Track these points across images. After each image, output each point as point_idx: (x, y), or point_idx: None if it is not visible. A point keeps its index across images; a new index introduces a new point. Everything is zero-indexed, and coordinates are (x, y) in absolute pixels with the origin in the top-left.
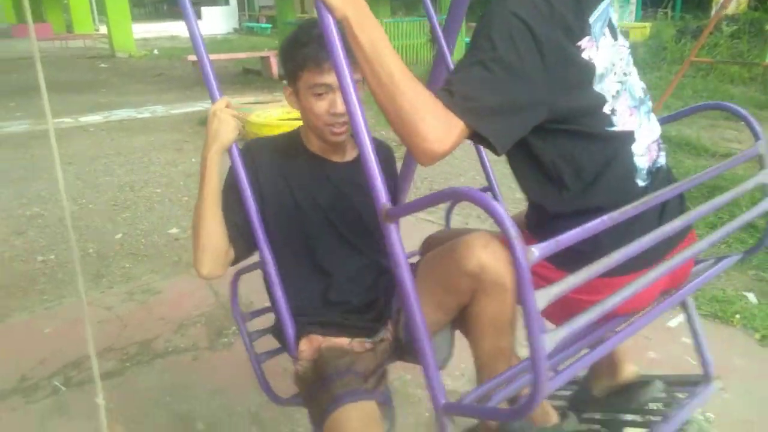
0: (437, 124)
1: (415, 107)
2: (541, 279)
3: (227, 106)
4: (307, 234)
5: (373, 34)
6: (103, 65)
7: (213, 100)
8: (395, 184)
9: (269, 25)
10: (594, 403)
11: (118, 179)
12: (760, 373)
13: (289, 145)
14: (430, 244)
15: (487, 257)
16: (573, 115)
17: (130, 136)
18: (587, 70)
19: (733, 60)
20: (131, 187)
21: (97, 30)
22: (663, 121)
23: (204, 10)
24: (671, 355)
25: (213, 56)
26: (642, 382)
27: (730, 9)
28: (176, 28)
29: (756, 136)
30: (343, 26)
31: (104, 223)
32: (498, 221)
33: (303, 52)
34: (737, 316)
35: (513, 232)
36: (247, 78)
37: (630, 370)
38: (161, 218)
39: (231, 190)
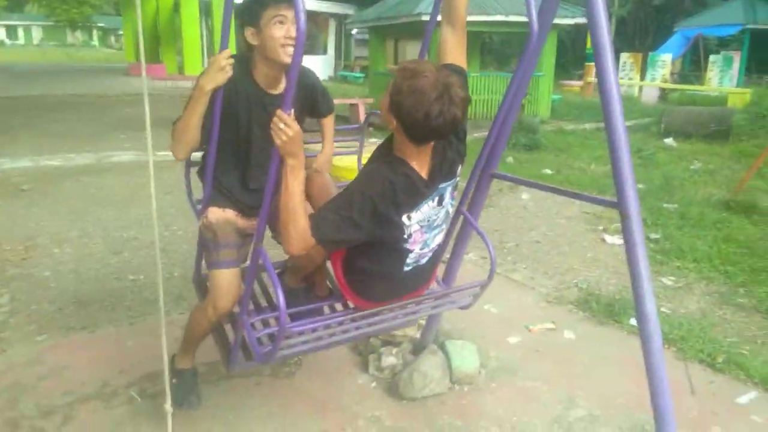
0: (298, 242)
1: (294, 230)
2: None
3: (228, 59)
4: (240, 139)
5: (297, 179)
6: None
7: (222, 49)
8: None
9: (362, 75)
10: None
11: None
12: None
13: (244, 71)
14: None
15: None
16: (377, 239)
17: None
18: (398, 225)
19: None
20: None
21: None
22: None
23: (305, 57)
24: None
25: None
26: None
27: None
28: None
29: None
30: (285, 166)
31: (191, 249)
32: None
33: None
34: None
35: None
36: (336, 123)
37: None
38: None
39: (209, 111)
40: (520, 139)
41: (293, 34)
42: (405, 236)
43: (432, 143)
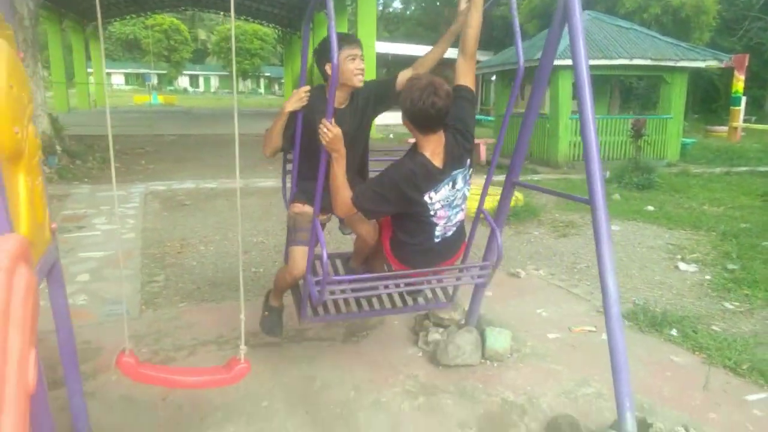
0: (343, 207)
1: (341, 201)
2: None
3: (305, 91)
4: (318, 146)
5: (341, 166)
6: None
7: (302, 84)
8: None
9: (493, 118)
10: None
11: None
12: None
13: (321, 97)
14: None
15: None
16: (407, 211)
17: None
18: (422, 203)
19: None
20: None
21: None
22: None
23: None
24: (732, 420)
25: None
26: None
27: None
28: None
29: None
30: (330, 156)
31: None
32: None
33: (341, 41)
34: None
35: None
36: None
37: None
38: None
39: (289, 124)
40: (632, 178)
41: (362, 66)
42: (431, 212)
43: (441, 137)
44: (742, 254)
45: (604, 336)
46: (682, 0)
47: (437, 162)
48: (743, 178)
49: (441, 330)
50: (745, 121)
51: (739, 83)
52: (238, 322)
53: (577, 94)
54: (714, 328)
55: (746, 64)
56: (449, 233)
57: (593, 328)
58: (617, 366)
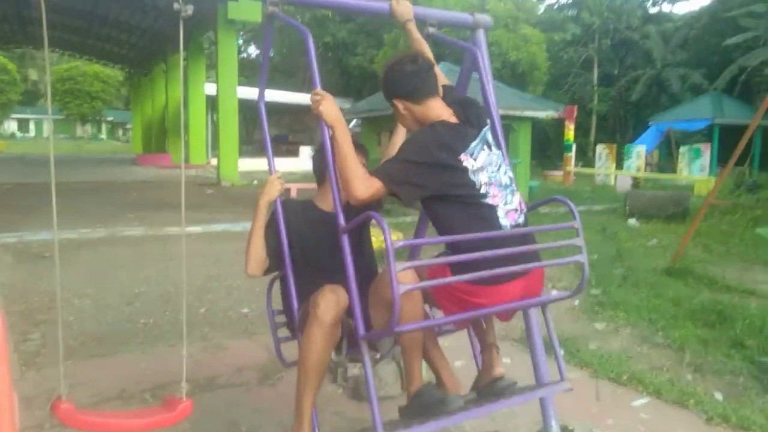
0: (359, 182)
1: (352, 172)
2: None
3: (278, 178)
4: (317, 258)
5: (343, 133)
6: (209, 191)
7: (270, 172)
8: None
9: None
10: (479, 389)
11: (208, 271)
12: None
13: (306, 206)
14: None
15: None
16: (451, 195)
17: (224, 242)
18: (461, 170)
19: (748, 203)
20: (217, 278)
21: (209, 162)
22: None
23: (301, 148)
24: (625, 423)
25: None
26: (501, 375)
27: None
28: (277, 164)
29: (573, 216)
30: (329, 128)
31: (193, 301)
32: (381, 227)
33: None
34: (692, 401)
35: (386, 230)
36: None
37: (499, 370)
38: (237, 300)
39: (270, 226)
40: None
41: None
42: (478, 187)
43: (442, 102)
44: (599, 281)
45: (505, 359)
46: (518, 56)
47: (453, 120)
48: (583, 216)
49: (359, 365)
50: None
51: (569, 132)
52: (139, 376)
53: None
54: (591, 346)
55: (575, 114)
56: (520, 219)
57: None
58: (540, 379)
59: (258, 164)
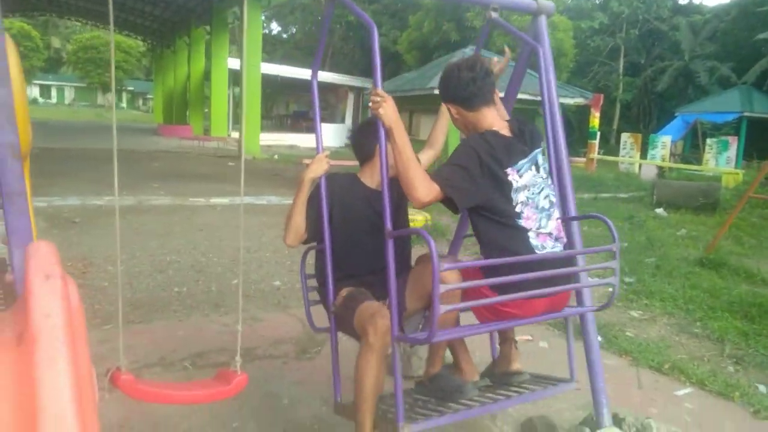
0: (422, 186)
1: (415, 176)
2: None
3: (326, 156)
4: (357, 233)
5: (403, 137)
6: (231, 163)
7: (318, 151)
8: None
9: None
10: (492, 376)
11: (237, 243)
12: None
13: (352, 181)
14: (419, 260)
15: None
16: (491, 208)
17: (249, 216)
18: (505, 184)
19: None
20: (248, 249)
21: (230, 135)
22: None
23: (323, 126)
24: (670, 413)
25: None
26: (519, 371)
27: None
28: (295, 139)
29: (612, 237)
30: (387, 131)
31: (224, 272)
32: (429, 245)
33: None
34: (737, 393)
35: (434, 251)
36: None
37: (516, 365)
38: (268, 273)
39: (313, 199)
40: None
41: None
42: (515, 207)
43: (497, 113)
44: (632, 269)
45: (542, 344)
46: None
47: (505, 132)
48: (608, 203)
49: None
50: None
51: (595, 120)
52: (176, 344)
53: (547, 129)
54: (628, 333)
55: (600, 102)
56: (550, 245)
57: (530, 337)
58: (593, 365)
59: (277, 139)
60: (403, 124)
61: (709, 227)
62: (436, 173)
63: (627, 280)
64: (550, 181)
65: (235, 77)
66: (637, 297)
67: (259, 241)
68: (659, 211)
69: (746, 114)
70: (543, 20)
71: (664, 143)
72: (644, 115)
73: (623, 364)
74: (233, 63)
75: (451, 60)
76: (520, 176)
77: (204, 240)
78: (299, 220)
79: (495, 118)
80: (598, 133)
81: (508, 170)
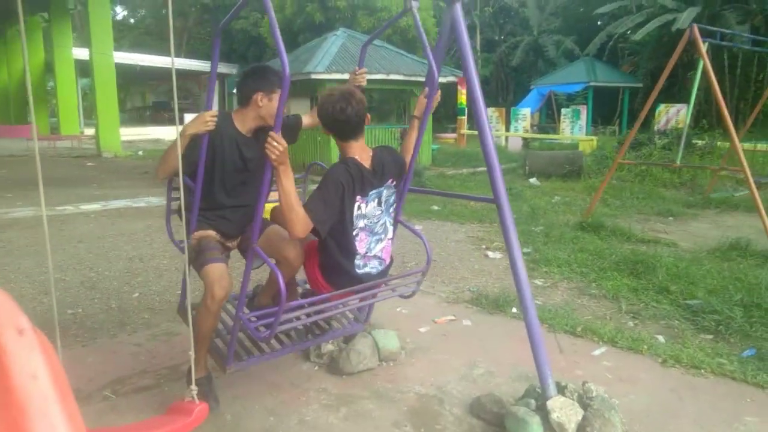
0: (300, 225)
1: (296, 218)
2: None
3: (213, 117)
4: (221, 172)
5: (288, 180)
6: (90, 164)
7: (208, 108)
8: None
9: None
10: None
11: (126, 253)
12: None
13: (225, 119)
14: (274, 213)
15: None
16: (336, 225)
17: (130, 221)
18: (354, 210)
19: (654, 162)
20: (140, 258)
21: (83, 132)
22: None
23: (186, 116)
24: (593, 372)
25: None
26: None
27: (669, 126)
28: (159, 132)
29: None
30: (275, 173)
31: (121, 286)
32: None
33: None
34: (645, 346)
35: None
36: None
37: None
38: (171, 282)
39: (191, 144)
40: None
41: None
42: (353, 230)
43: (364, 146)
44: (526, 239)
45: (465, 322)
46: (408, 22)
47: (366, 164)
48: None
49: (332, 342)
50: None
51: (462, 96)
52: (88, 372)
53: (472, 106)
54: (537, 302)
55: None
56: (370, 268)
57: (453, 317)
58: (535, 340)
59: (138, 133)
60: (290, 169)
61: (578, 192)
62: (307, 205)
63: (525, 250)
64: (391, 211)
65: (83, 68)
66: (537, 266)
67: (150, 248)
68: (533, 180)
69: (592, 83)
70: (458, 8)
71: (525, 115)
72: (502, 90)
73: (542, 330)
74: (81, 53)
75: (329, 91)
76: (366, 205)
77: (87, 253)
78: (174, 163)
79: (361, 150)
80: (466, 110)
81: (358, 198)
